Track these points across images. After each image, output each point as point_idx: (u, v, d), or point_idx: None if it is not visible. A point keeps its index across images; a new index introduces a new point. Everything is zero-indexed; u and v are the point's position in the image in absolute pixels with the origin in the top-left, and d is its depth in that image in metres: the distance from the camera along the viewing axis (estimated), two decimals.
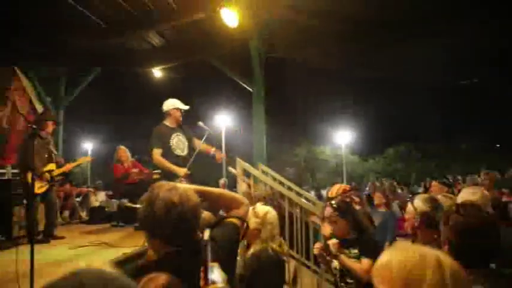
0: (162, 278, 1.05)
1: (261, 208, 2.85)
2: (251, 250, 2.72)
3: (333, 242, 2.98)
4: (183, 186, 1.57)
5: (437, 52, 7.45)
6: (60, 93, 8.93)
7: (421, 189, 12.28)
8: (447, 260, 0.96)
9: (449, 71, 8.61)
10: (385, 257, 1.00)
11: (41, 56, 7.95)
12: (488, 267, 1.52)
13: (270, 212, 2.83)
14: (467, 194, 2.75)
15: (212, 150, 4.77)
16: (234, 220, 1.74)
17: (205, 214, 2.04)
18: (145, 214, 1.46)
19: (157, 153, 4.60)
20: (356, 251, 2.93)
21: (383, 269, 0.98)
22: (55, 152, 5.13)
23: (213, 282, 1.20)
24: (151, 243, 1.51)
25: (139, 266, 1.51)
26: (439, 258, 0.95)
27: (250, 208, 2.80)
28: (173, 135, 4.74)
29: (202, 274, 1.23)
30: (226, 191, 1.98)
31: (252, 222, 2.71)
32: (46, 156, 4.94)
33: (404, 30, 6.70)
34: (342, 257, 2.93)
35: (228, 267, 1.59)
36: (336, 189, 4.02)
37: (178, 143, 4.79)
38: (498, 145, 37.73)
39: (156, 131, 4.72)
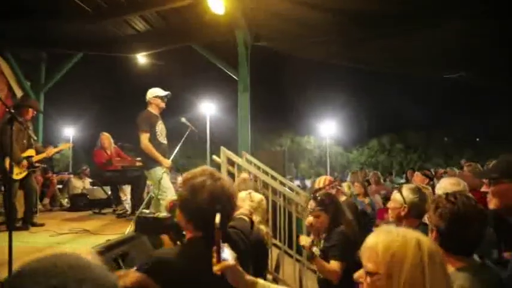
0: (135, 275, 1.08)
1: (257, 195, 3.03)
2: None
3: (305, 241, 3.00)
4: (223, 176, 1.60)
5: (424, 46, 7.50)
6: (41, 79, 8.69)
7: (402, 180, 12.50)
8: (425, 241, 1.09)
9: (435, 64, 8.69)
10: (372, 239, 1.14)
11: (23, 40, 7.71)
12: (472, 254, 1.57)
13: (264, 200, 3.05)
14: (447, 185, 2.79)
15: None
16: (243, 216, 1.93)
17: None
18: (187, 201, 1.50)
19: (146, 137, 4.61)
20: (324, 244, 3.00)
21: (370, 250, 1.12)
22: (34, 138, 5.02)
23: (224, 260, 1.29)
24: (186, 224, 1.55)
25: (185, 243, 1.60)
26: (418, 239, 1.08)
27: (247, 192, 2.97)
28: (158, 122, 4.77)
29: (215, 254, 1.30)
30: None
31: (246, 204, 2.81)
32: (25, 141, 4.82)
33: (391, 23, 6.73)
34: (317, 259, 2.95)
35: (246, 252, 1.71)
36: (322, 181, 4.06)
37: (162, 130, 4.82)
38: (478, 139, 38.61)
39: (144, 115, 4.71)
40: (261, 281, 1.40)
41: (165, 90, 4.87)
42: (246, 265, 1.41)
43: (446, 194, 1.68)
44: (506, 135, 31.15)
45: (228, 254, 1.31)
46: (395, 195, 2.50)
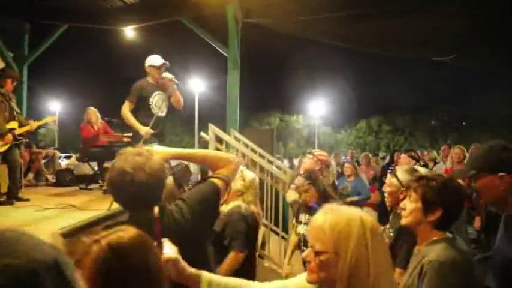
0: (133, 230, 1.06)
1: (249, 173, 2.95)
2: (227, 208, 2.78)
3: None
4: (149, 152, 1.53)
5: (415, 27, 7.46)
6: (24, 50, 8.43)
7: (386, 161, 12.64)
8: (367, 218, 1.19)
9: (426, 47, 8.69)
10: (318, 219, 1.19)
11: (4, 9, 7.41)
12: (448, 230, 1.67)
13: (256, 178, 2.96)
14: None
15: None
16: (215, 180, 1.68)
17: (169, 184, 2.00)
18: (107, 180, 1.51)
19: (126, 106, 4.38)
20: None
21: (318, 229, 1.18)
22: (17, 110, 4.88)
23: (165, 254, 1.25)
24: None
25: (106, 226, 1.53)
26: (361, 217, 1.17)
27: (239, 170, 2.86)
28: (155, 93, 4.48)
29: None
30: (211, 151, 1.97)
31: (238, 184, 2.78)
32: (6, 114, 4.68)
33: (384, 3, 6.66)
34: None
35: (201, 228, 1.60)
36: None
37: (159, 101, 4.50)
38: (463, 123, 39.19)
39: (137, 85, 4.48)
40: (205, 273, 1.34)
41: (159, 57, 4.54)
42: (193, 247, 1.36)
43: (432, 174, 1.77)
44: (491, 119, 31.69)
45: (168, 247, 1.25)
46: (391, 180, 2.41)
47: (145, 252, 1.00)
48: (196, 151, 1.93)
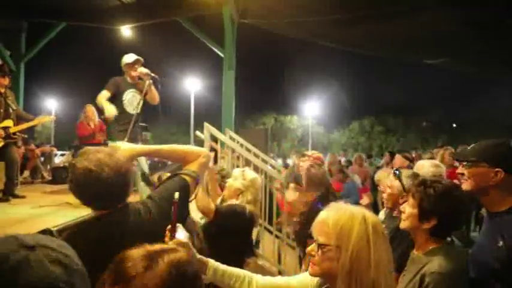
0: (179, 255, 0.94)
1: (251, 173, 2.96)
2: (225, 205, 2.83)
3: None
4: (112, 150, 1.52)
5: (407, 29, 7.56)
6: (21, 48, 8.43)
7: (381, 162, 12.76)
8: (370, 215, 1.22)
9: (418, 49, 8.79)
10: (323, 215, 1.24)
11: (1, 8, 7.41)
12: (446, 237, 1.69)
13: (257, 179, 2.97)
14: (427, 167, 2.83)
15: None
16: (184, 176, 1.64)
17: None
18: (69, 180, 1.46)
19: (102, 94, 4.26)
20: None
21: (321, 224, 1.23)
22: (14, 108, 4.86)
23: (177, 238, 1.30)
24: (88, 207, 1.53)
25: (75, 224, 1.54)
26: (364, 214, 1.21)
27: (240, 170, 2.93)
28: (128, 91, 4.38)
29: (168, 232, 1.31)
30: (179, 146, 1.86)
31: (238, 182, 2.81)
32: (1, 111, 4.66)
33: (376, 5, 6.75)
34: None
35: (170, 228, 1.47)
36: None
37: (132, 100, 4.39)
38: (454, 125, 39.49)
39: (113, 79, 4.41)
40: (212, 261, 1.42)
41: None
42: None
43: (426, 180, 1.74)
44: (482, 121, 31.96)
45: (181, 233, 1.31)
46: (394, 182, 2.33)
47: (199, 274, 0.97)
48: (164, 146, 1.83)
